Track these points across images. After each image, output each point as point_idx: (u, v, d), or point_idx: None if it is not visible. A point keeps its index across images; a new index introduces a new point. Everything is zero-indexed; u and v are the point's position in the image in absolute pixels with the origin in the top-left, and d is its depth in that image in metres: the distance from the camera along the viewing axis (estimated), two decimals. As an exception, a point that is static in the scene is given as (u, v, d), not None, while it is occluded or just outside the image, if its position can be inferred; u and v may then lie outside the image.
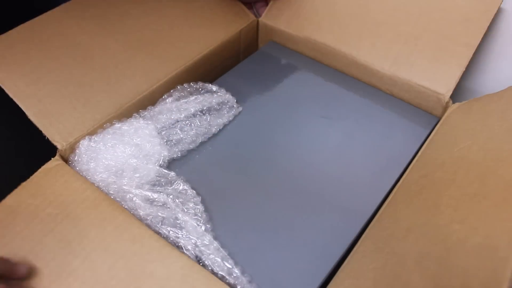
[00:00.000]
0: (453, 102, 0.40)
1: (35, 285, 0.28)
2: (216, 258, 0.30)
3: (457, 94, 0.41)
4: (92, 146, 0.36)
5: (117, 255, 0.29)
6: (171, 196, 0.33)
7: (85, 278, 0.28)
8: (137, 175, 0.35)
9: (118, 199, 0.33)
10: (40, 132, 0.37)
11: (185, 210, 0.33)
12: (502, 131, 0.32)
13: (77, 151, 0.36)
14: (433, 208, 0.29)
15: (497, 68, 0.46)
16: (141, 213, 0.32)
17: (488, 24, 0.40)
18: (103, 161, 0.35)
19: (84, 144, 0.36)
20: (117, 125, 0.37)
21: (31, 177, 0.34)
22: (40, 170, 0.34)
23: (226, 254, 0.30)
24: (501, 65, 0.45)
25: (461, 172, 0.31)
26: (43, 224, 0.31)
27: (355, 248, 0.30)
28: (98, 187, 0.34)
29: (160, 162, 0.36)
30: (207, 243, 0.31)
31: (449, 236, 0.26)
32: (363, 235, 0.31)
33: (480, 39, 0.40)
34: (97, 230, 0.31)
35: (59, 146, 0.36)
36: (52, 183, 0.34)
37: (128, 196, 0.33)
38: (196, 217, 0.32)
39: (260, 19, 0.50)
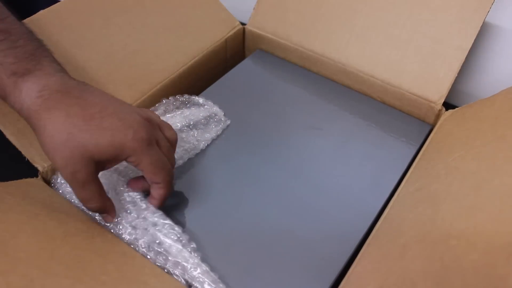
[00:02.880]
0: (447, 103, 0.39)
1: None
2: (207, 282, 0.29)
3: (451, 96, 0.41)
4: (75, 167, 0.35)
5: (107, 259, 0.28)
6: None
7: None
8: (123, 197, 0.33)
9: (103, 223, 0.32)
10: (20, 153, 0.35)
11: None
12: (495, 138, 0.32)
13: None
14: (429, 223, 0.28)
15: (491, 70, 0.45)
16: (127, 238, 0.31)
17: (480, 25, 0.39)
18: (88, 182, 0.34)
19: (67, 164, 0.35)
20: (101, 144, 0.36)
21: (9, 182, 0.31)
22: (19, 180, 0.33)
23: (216, 278, 0.29)
24: (496, 67, 0.44)
25: (456, 183, 0.30)
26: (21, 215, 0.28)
27: (351, 268, 0.29)
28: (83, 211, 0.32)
29: (147, 182, 0.35)
30: (196, 267, 0.29)
31: (446, 253, 0.26)
32: (360, 254, 0.30)
33: (472, 42, 0.39)
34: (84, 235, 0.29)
35: (40, 168, 0.35)
36: (34, 191, 0.32)
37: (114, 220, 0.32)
38: (181, 239, 0.31)
39: (246, 26, 0.49)
